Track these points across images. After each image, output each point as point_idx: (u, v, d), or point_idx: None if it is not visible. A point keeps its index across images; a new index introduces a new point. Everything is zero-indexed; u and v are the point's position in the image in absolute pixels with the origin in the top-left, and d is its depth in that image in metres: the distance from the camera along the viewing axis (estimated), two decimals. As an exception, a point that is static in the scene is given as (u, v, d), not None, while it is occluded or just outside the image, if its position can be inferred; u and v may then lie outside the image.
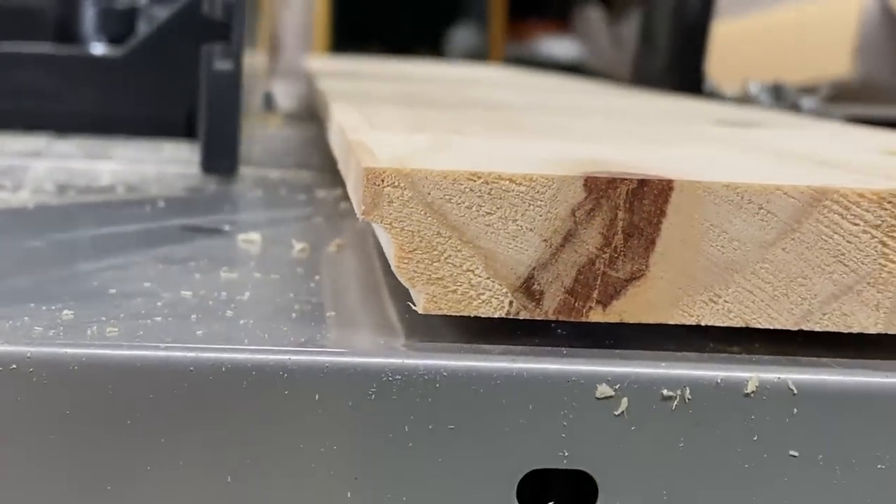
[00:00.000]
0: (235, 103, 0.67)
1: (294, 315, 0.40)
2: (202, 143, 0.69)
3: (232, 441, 0.35)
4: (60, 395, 0.35)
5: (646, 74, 1.30)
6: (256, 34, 1.07)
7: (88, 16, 0.95)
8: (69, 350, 0.35)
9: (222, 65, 0.67)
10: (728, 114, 0.78)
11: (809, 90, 1.34)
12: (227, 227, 0.55)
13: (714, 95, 1.23)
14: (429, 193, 0.37)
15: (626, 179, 0.37)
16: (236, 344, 0.36)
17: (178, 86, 0.80)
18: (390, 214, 0.37)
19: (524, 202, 0.37)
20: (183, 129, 0.82)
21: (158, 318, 0.39)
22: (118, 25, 0.93)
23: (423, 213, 0.37)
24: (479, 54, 3.85)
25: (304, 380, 0.35)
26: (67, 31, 0.99)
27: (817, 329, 0.38)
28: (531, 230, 0.37)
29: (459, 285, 0.37)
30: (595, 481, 0.37)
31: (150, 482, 0.35)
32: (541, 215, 0.37)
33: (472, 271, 0.37)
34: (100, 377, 0.35)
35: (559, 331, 0.40)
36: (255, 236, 0.52)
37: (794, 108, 1.23)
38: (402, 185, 0.37)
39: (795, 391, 0.36)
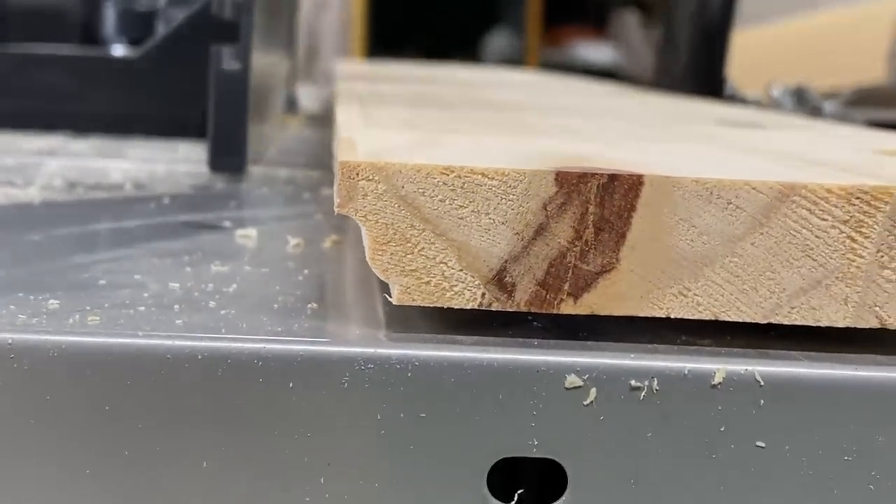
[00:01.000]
0: (243, 103, 0.68)
1: (276, 306, 0.41)
2: (210, 142, 0.70)
3: (207, 427, 0.36)
4: (41, 382, 0.36)
5: (667, 77, 1.30)
6: (281, 35, 1.08)
7: (109, 18, 0.96)
8: (49, 337, 0.36)
9: (230, 65, 0.68)
10: (734, 115, 0.79)
11: (834, 95, 1.33)
12: (226, 224, 0.56)
13: (734, 98, 1.23)
14: (402, 187, 0.37)
15: (596, 174, 0.38)
16: (214, 333, 0.37)
17: (194, 86, 0.81)
18: (365, 207, 0.38)
19: (496, 196, 0.38)
20: (199, 129, 0.83)
21: (142, 308, 0.40)
22: (138, 27, 0.94)
23: (396, 206, 0.37)
24: (515, 59, 3.86)
25: (278, 368, 0.36)
26: (90, 33, 1.01)
27: (786, 322, 0.39)
28: (503, 223, 0.38)
29: (433, 277, 0.38)
30: (564, 470, 0.37)
31: (128, 466, 0.36)
32: (513, 209, 0.38)
33: (446, 263, 0.38)
34: (79, 364, 0.36)
35: (535, 324, 0.40)
36: (251, 232, 0.53)
37: (816, 111, 1.23)
38: (376, 178, 0.37)
39: (762, 383, 0.37)
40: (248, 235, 0.53)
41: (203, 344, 0.36)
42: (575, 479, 0.37)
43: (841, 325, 0.39)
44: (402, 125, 0.54)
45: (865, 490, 0.38)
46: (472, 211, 0.38)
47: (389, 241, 0.38)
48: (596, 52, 4.06)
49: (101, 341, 0.36)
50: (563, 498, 0.38)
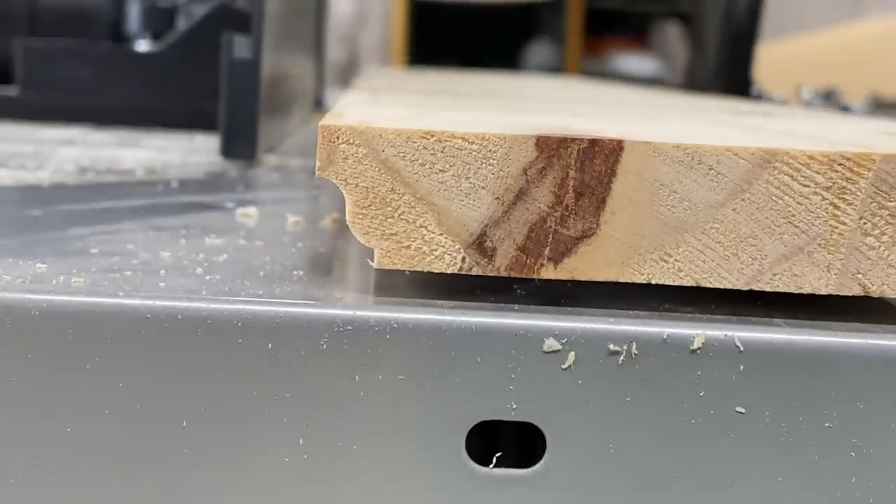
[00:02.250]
0: (255, 91, 0.69)
1: (262, 273, 0.41)
2: (221, 129, 0.71)
3: (187, 387, 0.37)
4: (23, 340, 0.36)
5: (696, 80, 1.30)
6: (307, 38, 1.09)
7: (133, 13, 0.97)
8: (31, 296, 0.36)
9: (242, 53, 0.68)
10: (748, 108, 0.79)
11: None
12: (229, 205, 0.57)
13: (761, 99, 1.23)
14: (383, 151, 0.38)
15: (576, 139, 0.38)
16: (195, 295, 0.38)
17: (213, 80, 0.81)
18: (345, 171, 0.38)
19: (477, 160, 0.38)
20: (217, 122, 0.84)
21: (128, 273, 0.40)
22: (160, 22, 0.95)
23: (377, 169, 0.38)
24: (555, 70, 3.86)
25: (258, 329, 0.36)
26: (117, 29, 1.02)
27: (768, 289, 0.38)
28: (483, 188, 0.38)
29: (413, 241, 0.38)
30: (543, 434, 0.37)
31: (109, 425, 0.37)
32: (493, 173, 0.38)
33: (426, 227, 0.38)
34: (60, 323, 0.36)
35: (519, 291, 0.41)
36: (252, 210, 0.53)
37: (844, 111, 1.22)
38: (356, 142, 0.38)
39: (742, 348, 0.37)
40: (248, 214, 0.53)
41: (183, 304, 0.36)
42: (553, 443, 0.37)
43: (823, 292, 0.38)
44: (404, 105, 0.54)
45: (846, 457, 0.37)
46: (453, 175, 0.38)
47: (370, 205, 0.38)
48: (637, 63, 4.05)
49: (82, 300, 0.36)
50: (542, 461, 0.38)
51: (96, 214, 0.53)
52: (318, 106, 1.23)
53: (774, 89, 1.41)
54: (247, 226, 0.52)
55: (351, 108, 0.47)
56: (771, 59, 2.02)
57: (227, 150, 0.71)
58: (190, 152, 0.77)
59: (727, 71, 1.23)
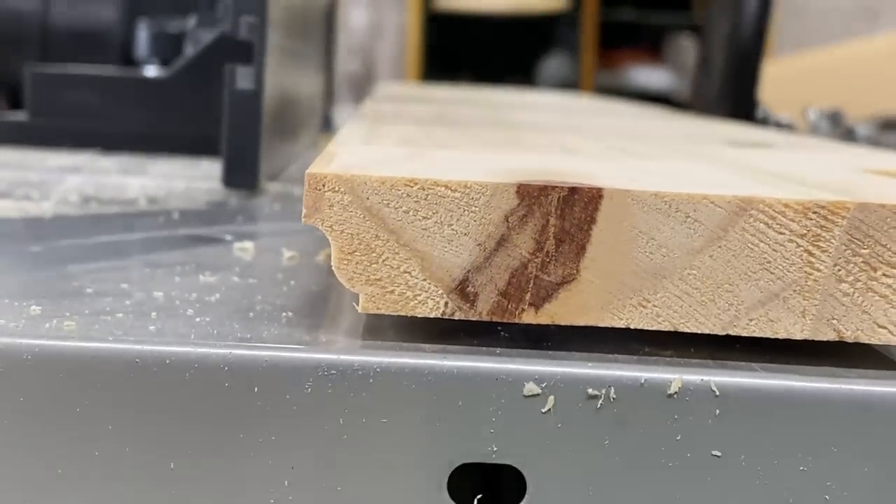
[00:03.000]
0: (256, 121, 0.70)
1: (251, 315, 0.42)
2: (223, 159, 0.72)
3: (175, 430, 0.37)
4: (15, 384, 0.37)
5: (702, 100, 1.30)
6: (313, 57, 1.10)
7: (142, 39, 0.98)
8: (23, 341, 0.37)
9: (244, 84, 0.69)
10: (749, 136, 0.79)
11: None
12: (227, 237, 0.58)
13: (766, 121, 1.23)
14: (367, 198, 0.39)
15: (556, 187, 0.38)
16: (183, 339, 0.38)
17: (220, 105, 0.82)
18: (331, 217, 0.39)
19: (459, 208, 0.39)
20: (224, 148, 0.85)
21: (120, 315, 0.41)
22: (169, 48, 0.96)
23: (362, 216, 0.39)
24: (570, 84, 3.88)
25: (244, 373, 0.37)
26: (127, 54, 1.03)
27: (744, 334, 0.39)
28: (466, 234, 0.39)
29: (397, 286, 0.39)
30: (523, 476, 0.38)
31: (98, 467, 0.38)
32: (475, 220, 0.39)
33: (409, 273, 0.39)
34: (51, 367, 0.37)
35: (503, 333, 0.41)
36: (248, 245, 0.54)
37: (849, 134, 1.23)
38: (341, 189, 0.39)
39: (718, 393, 0.38)
40: (245, 248, 0.54)
41: (171, 349, 0.37)
42: (533, 486, 0.38)
43: (799, 337, 0.39)
44: (399, 142, 0.55)
45: (821, 500, 0.38)
46: (436, 222, 0.39)
47: (355, 251, 0.39)
48: (651, 76, 4.06)
49: (73, 345, 0.37)
50: (522, 503, 0.38)
51: (95, 250, 0.54)
52: (327, 124, 1.24)
53: (785, 104, 1.42)
54: (242, 261, 0.52)
55: (344, 148, 0.48)
56: (782, 74, 2.03)
57: (229, 180, 0.72)
58: (194, 179, 0.78)
59: (733, 91, 1.23)
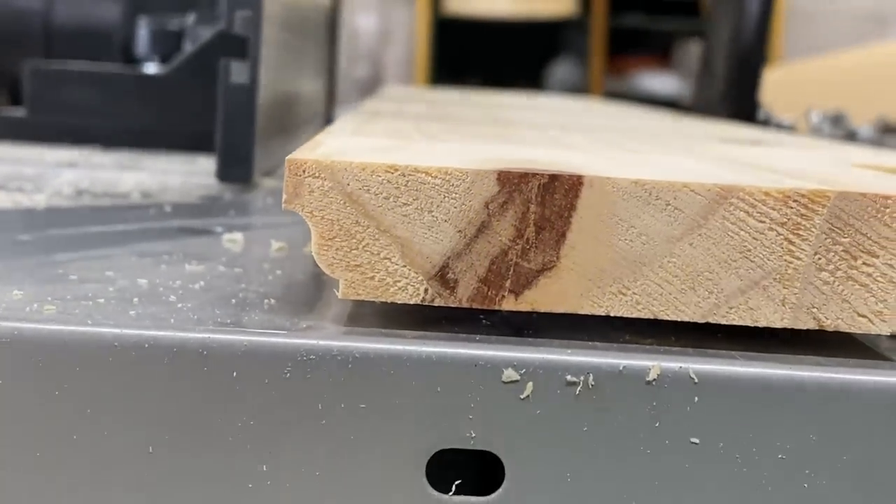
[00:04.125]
0: (251, 116, 0.70)
1: (233, 301, 0.42)
2: (218, 153, 0.72)
3: (153, 414, 0.38)
4: (-6, 366, 0.37)
5: (704, 102, 1.31)
6: (314, 58, 1.10)
7: (143, 37, 0.98)
8: (2, 324, 0.37)
9: (238, 78, 0.69)
10: (743, 134, 0.79)
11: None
12: (218, 229, 0.58)
13: (767, 123, 1.23)
14: (348, 184, 0.39)
15: (537, 174, 0.38)
16: (163, 323, 0.39)
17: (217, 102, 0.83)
18: (311, 203, 0.39)
19: (440, 194, 0.39)
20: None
21: (101, 300, 0.41)
22: (169, 45, 0.97)
23: (342, 202, 0.39)
24: (579, 89, 3.87)
25: (223, 358, 0.37)
26: (128, 51, 1.03)
27: (724, 322, 0.39)
28: (446, 221, 0.39)
29: (377, 272, 0.39)
30: (502, 462, 0.38)
31: (77, 451, 0.38)
32: (455, 207, 0.39)
33: (389, 259, 0.39)
34: (30, 350, 0.37)
35: (484, 321, 0.41)
36: (238, 236, 0.54)
37: (851, 136, 1.23)
38: (322, 175, 0.39)
39: (696, 380, 0.38)
40: (234, 240, 0.54)
41: (149, 333, 0.37)
42: (512, 472, 0.38)
43: (778, 325, 0.39)
44: (389, 134, 0.55)
45: (799, 488, 0.38)
46: (416, 208, 0.39)
47: (335, 237, 0.39)
48: (660, 81, 4.06)
49: (51, 328, 0.37)
50: (500, 490, 0.38)
51: (84, 239, 0.54)
52: (329, 124, 1.25)
53: (789, 111, 1.42)
54: (230, 252, 0.53)
55: (331, 138, 0.48)
56: (787, 79, 2.03)
57: (224, 174, 0.72)
58: (189, 175, 0.78)
59: (734, 94, 1.23)
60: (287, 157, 0.39)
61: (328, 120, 1.25)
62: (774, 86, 1.61)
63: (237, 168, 0.71)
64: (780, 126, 1.24)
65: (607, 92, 3.90)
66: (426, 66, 4.06)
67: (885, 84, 1.58)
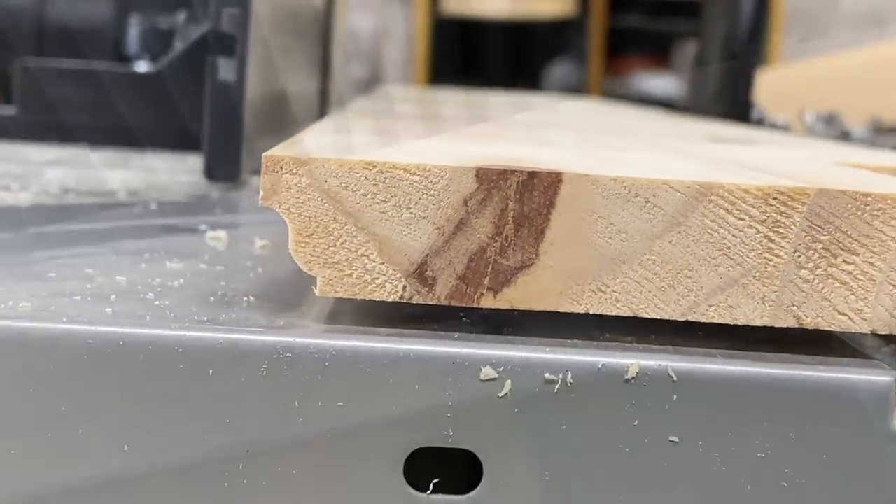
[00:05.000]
0: (238, 114, 0.70)
1: (212, 299, 0.42)
2: (205, 151, 0.72)
3: (129, 411, 0.37)
4: (-31, 363, 0.37)
5: (698, 101, 1.30)
6: (308, 56, 1.10)
7: (133, 35, 0.98)
8: (-23, 321, 0.37)
9: (226, 76, 0.69)
10: (732, 133, 0.79)
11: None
12: (202, 227, 0.58)
13: (761, 122, 1.23)
14: (325, 181, 0.38)
15: (516, 171, 0.38)
16: (139, 320, 0.38)
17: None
18: (288, 200, 0.39)
19: (418, 191, 0.38)
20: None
21: (77, 298, 0.41)
22: (159, 44, 0.96)
23: (319, 199, 0.38)
24: (577, 90, 3.87)
25: (199, 355, 0.37)
26: (119, 49, 1.03)
27: (703, 320, 0.39)
28: (424, 218, 0.38)
29: (355, 269, 0.39)
30: (480, 461, 0.38)
31: (52, 447, 0.37)
32: (434, 204, 0.38)
33: (367, 256, 0.39)
34: (3, 348, 0.37)
35: (465, 319, 0.41)
36: (221, 234, 0.54)
37: (845, 136, 1.22)
38: (299, 172, 0.38)
39: (675, 378, 0.37)
40: (217, 237, 0.54)
41: (125, 330, 0.37)
42: (490, 470, 0.38)
43: (758, 323, 0.39)
44: (373, 132, 0.55)
45: (778, 487, 0.38)
46: (394, 205, 0.38)
47: (312, 234, 0.39)
48: (658, 83, 4.06)
49: (26, 325, 0.37)
50: (479, 488, 0.38)
51: (65, 237, 0.54)
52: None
53: (784, 111, 1.42)
54: (214, 249, 0.52)
55: (311, 135, 0.48)
56: (782, 79, 2.03)
57: (211, 172, 0.72)
58: (178, 173, 0.78)
59: (728, 93, 1.23)
60: (264, 154, 0.39)
61: (323, 117, 1.25)
62: (769, 86, 1.60)
63: (225, 166, 0.71)
64: (773, 126, 1.24)
65: (605, 92, 3.90)
66: (425, 67, 4.06)
67: (879, 85, 1.58)
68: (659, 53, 4.16)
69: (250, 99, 0.72)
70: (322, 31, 1.27)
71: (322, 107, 1.28)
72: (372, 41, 4.08)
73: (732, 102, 1.22)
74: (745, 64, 1.21)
